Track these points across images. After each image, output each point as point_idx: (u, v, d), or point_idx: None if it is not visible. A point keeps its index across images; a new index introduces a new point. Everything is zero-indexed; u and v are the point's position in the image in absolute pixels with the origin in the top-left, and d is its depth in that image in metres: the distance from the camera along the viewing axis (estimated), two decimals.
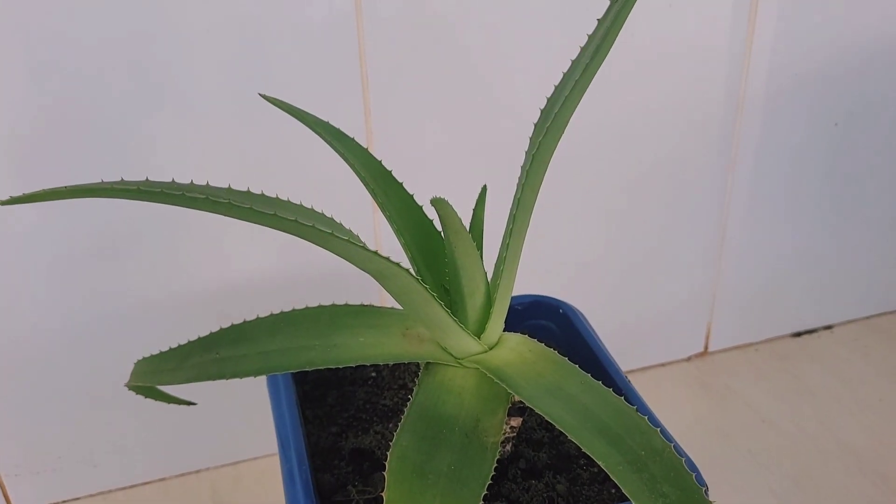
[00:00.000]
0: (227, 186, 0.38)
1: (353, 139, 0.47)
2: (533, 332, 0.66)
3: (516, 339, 0.50)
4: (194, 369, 0.51)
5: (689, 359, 0.92)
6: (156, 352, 0.53)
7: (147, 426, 0.76)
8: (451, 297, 0.48)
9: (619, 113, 0.76)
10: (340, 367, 0.48)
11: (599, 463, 0.41)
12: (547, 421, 0.59)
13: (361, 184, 0.47)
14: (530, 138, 0.45)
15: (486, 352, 0.49)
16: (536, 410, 0.44)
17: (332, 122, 0.47)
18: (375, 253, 0.40)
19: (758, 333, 0.94)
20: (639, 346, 0.89)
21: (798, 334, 0.96)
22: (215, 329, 0.52)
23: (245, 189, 0.39)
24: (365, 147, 0.47)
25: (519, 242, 0.47)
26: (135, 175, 0.40)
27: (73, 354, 0.71)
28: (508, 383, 0.46)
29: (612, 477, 0.40)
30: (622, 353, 0.70)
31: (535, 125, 0.45)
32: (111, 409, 0.74)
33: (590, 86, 0.42)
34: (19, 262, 0.67)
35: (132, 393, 0.54)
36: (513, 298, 0.64)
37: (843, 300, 0.96)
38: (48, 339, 0.70)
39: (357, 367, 0.63)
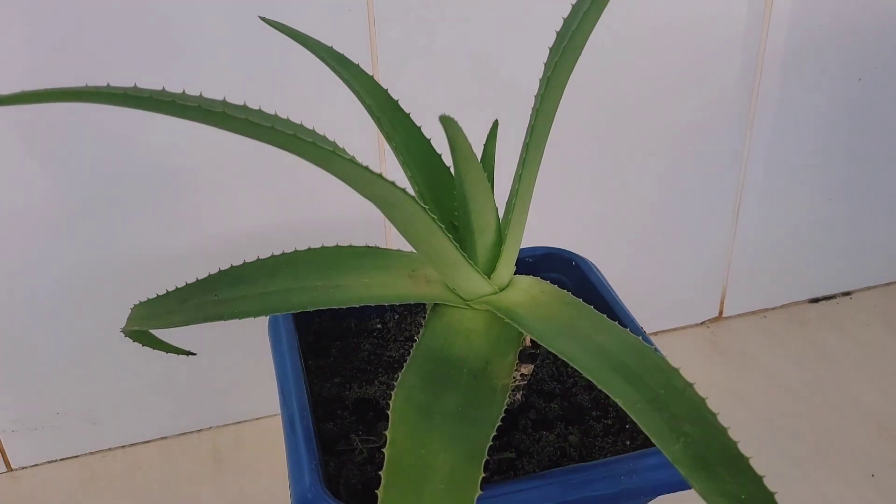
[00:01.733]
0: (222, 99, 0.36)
1: (357, 65, 0.45)
2: None
3: (528, 281, 0.48)
4: (192, 311, 0.49)
5: (703, 323, 0.90)
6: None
7: (148, 384, 0.74)
8: (459, 234, 0.45)
9: (636, 73, 0.73)
10: (343, 307, 0.46)
11: (617, 401, 0.38)
12: (558, 372, 0.57)
13: (367, 120, 0.44)
14: (545, 63, 0.43)
15: (496, 293, 0.47)
16: (549, 349, 0.42)
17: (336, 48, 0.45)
18: (380, 176, 0.37)
19: (774, 299, 0.91)
20: (653, 310, 0.87)
21: (815, 300, 0.93)
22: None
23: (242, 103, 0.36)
24: (370, 75, 0.45)
25: (532, 175, 0.44)
26: None
27: (72, 307, 0.69)
28: (520, 323, 0.43)
29: (630, 415, 0.38)
30: (635, 315, 0.68)
31: (551, 48, 0.43)
32: (112, 365, 0.72)
33: (606, 7, 0.39)
34: (17, 211, 0.65)
35: (134, 349, 0.52)
36: (524, 250, 0.61)
37: (862, 266, 0.93)
38: (47, 291, 0.68)
39: (362, 318, 0.61)
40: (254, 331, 0.62)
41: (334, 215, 0.71)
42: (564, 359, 0.41)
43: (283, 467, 0.60)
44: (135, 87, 0.33)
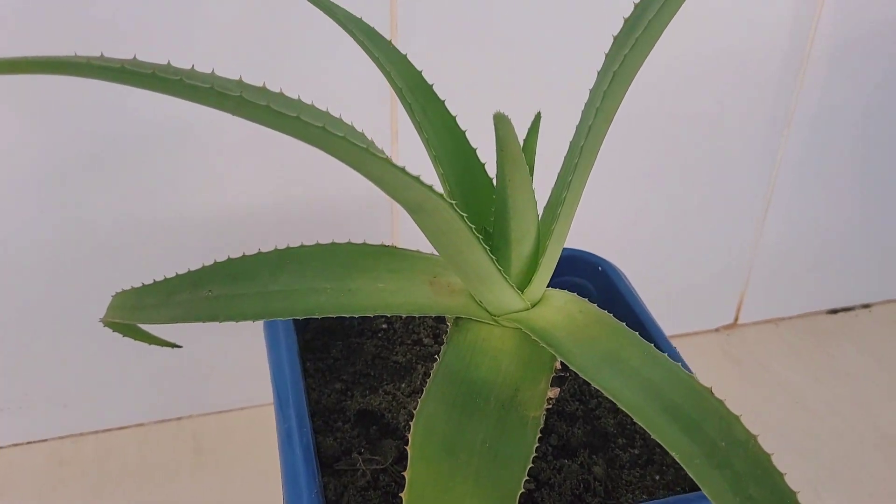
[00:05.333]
0: (238, 78, 0.30)
1: (389, 41, 0.39)
2: (568, 290, 0.59)
3: (563, 297, 0.43)
4: (181, 307, 0.43)
5: (717, 329, 0.85)
6: (138, 284, 0.45)
7: (124, 366, 0.68)
8: (493, 242, 0.40)
9: (670, 64, 0.67)
10: (355, 316, 0.40)
11: (673, 454, 0.33)
12: (580, 391, 0.52)
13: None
14: (607, 54, 0.37)
15: (528, 309, 0.42)
16: (592, 384, 0.37)
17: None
18: (417, 179, 0.32)
19: (791, 308, 0.87)
20: (667, 312, 0.81)
21: (834, 311, 0.89)
22: (208, 263, 0.44)
23: (261, 84, 0.31)
24: (403, 53, 0.39)
25: (582, 182, 0.39)
26: None
27: (46, 279, 0.63)
28: (557, 348, 0.38)
29: (688, 472, 0.33)
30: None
31: (615, 37, 0.37)
32: (85, 345, 0.66)
33: None
34: None
35: (109, 330, 0.46)
36: None
37: (884, 279, 0.89)
38: (21, 261, 0.62)
39: (366, 316, 0.56)
40: None
41: (340, 200, 0.66)
42: (609, 396, 0.36)
43: (268, 463, 0.54)
44: (134, 59, 0.27)
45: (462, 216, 0.34)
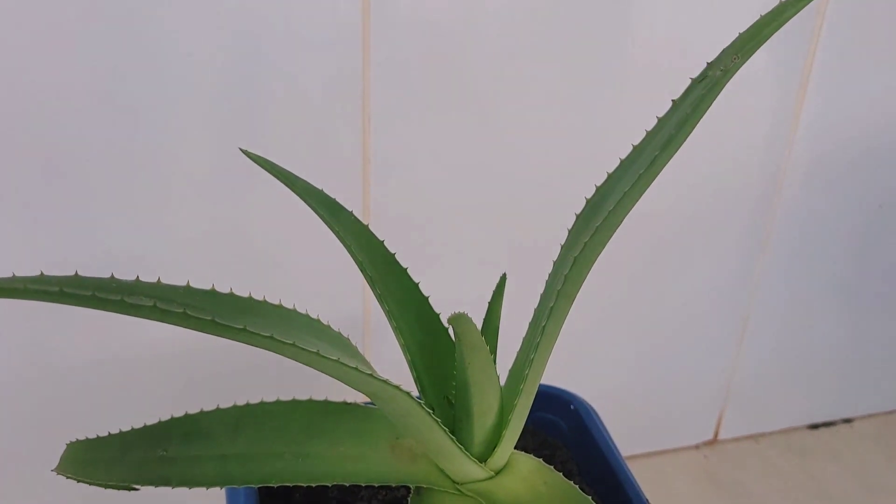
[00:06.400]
0: (185, 284, 0.29)
1: (350, 213, 0.39)
2: (539, 428, 0.58)
3: (528, 466, 0.42)
4: (135, 469, 0.42)
5: (697, 446, 0.84)
6: (95, 433, 0.44)
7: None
8: (455, 412, 0.39)
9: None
10: (312, 485, 0.39)
11: None
12: None
13: (354, 270, 0.38)
14: (570, 229, 0.37)
15: (491, 478, 0.40)
16: None
17: (325, 191, 0.38)
18: (371, 375, 0.31)
19: (772, 423, 0.86)
20: (645, 429, 0.81)
21: (815, 426, 0.87)
22: (165, 417, 0.43)
23: (209, 287, 0.30)
24: (365, 224, 0.39)
25: (545, 356, 0.38)
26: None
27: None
28: None
29: None
30: (626, 435, 0.62)
31: (578, 215, 0.37)
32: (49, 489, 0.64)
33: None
34: None
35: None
36: None
37: (864, 393, 0.88)
38: None
39: (344, 491, 0.54)
40: None
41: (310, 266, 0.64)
42: None
43: None
44: (76, 275, 0.26)
45: (418, 402, 0.34)
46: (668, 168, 0.69)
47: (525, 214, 0.65)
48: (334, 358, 0.29)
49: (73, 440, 0.45)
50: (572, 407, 0.57)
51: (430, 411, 0.34)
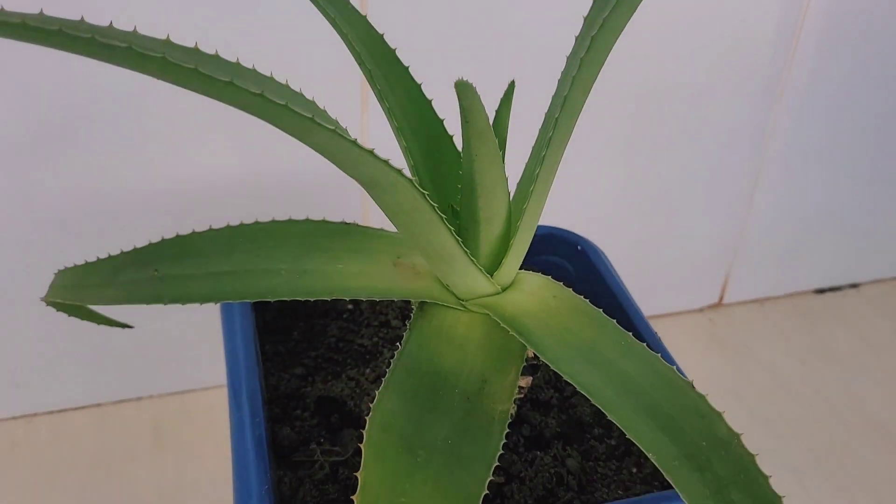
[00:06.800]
0: (165, 38, 0.26)
1: (347, 1, 0.36)
2: (544, 272, 0.56)
3: (537, 282, 0.40)
4: (125, 288, 0.40)
5: (701, 309, 0.83)
6: (89, 259, 0.42)
7: (80, 344, 0.65)
8: (461, 222, 0.37)
9: (655, 33, 0.64)
10: (311, 299, 0.37)
11: (649, 455, 0.31)
12: (556, 377, 0.49)
13: (347, 61, 0.35)
14: (586, 18, 0.34)
15: (498, 293, 0.39)
16: (565, 377, 0.34)
17: None
18: (371, 153, 0.28)
19: (778, 287, 0.85)
20: (649, 292, 0.79)
21: (821, 291, 0.86)
22: (156, 240, 0.41)
23: (191, 46, 0.27)
24: (363, 14, 0.36)
25: (557, 157, 0.36)
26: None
27: None
28: (528, 338, 0.35)
29: (665, 475, 0.30)
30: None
31: (585, 18, 0.34)
32: (38, 321, 0.63)
33: None
34: None
35: None
36: None
37: (872, 258, 0.86)
38: None
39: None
40: None
41: (306, 173, 0.62)
42: (582, 391, 0.33)
43: (230, 446, 0.52)
44: (40, 14, 0.24)
45: (423, 193, 0.31)
46: (685, 14, 0.66)
47: (538, 15, 0.60)
48: (330, 127, 0.27)
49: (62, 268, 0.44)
50: (579, 248, 0.55)
51: (434, 205, 0.32)
